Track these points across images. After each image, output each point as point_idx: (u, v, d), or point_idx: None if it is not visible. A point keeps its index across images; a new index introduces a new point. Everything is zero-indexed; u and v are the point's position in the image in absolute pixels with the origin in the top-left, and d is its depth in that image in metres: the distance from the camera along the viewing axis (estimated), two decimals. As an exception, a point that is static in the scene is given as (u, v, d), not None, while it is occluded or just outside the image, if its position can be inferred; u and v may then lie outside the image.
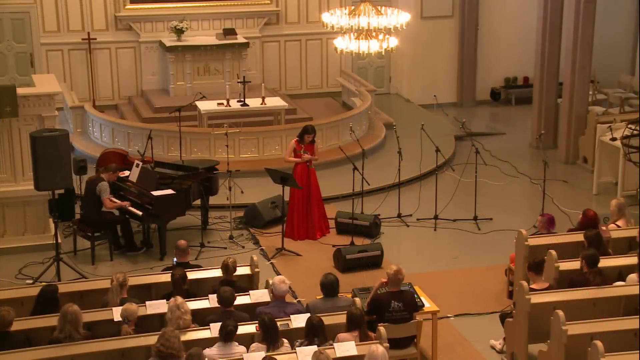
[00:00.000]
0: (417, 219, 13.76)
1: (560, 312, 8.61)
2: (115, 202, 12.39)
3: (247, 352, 8.19)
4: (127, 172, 12.89)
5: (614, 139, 14.51)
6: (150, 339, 8.20)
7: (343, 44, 14.01)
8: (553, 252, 10.05)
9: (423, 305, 9.66)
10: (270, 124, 16.53)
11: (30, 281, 11.49)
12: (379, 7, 13.84)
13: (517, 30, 19.99)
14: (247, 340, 8.42)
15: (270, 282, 9.27)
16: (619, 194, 14.11)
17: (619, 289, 9.44)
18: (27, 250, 12.37)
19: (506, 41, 20.18)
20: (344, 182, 14.18)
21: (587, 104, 16.44)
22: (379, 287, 9.30)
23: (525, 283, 9.36)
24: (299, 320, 8.67)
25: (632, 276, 9.64)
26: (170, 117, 15.86)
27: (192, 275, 9.78)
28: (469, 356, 10.00)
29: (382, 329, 8.52)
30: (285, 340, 8.32)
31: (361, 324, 8.55)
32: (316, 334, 8.27)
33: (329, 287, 9.19)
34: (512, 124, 19.13)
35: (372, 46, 13.77)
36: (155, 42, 18.70)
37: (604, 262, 9.79)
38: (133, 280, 9.60)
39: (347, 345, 8.21)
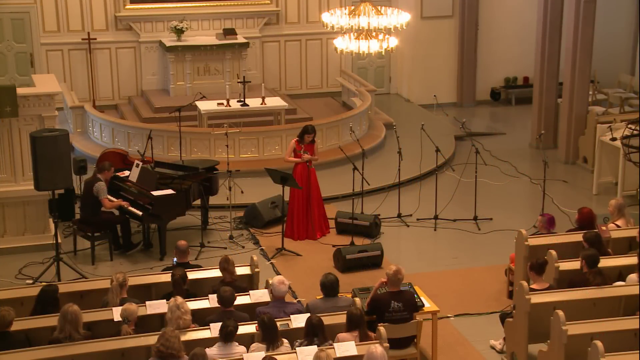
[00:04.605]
0: (417, 219, 13.76)
1: (560, 312, 8.60)
2: (114, 202, 12.38)
3: (247, 352, 8.20)
4: (127, 172, 12.89)
5: (614, 139, 14.51)
6: (150, 339, 8.20)
7: (343, 44, 14.00)
8: (553, 252, 10.05)
9: (423, 305, 9.66)
10: (270, 124, 16.53)
11: (30, 281, 11.49)
12: (379, 7, 13.84)
13: (517, 30, 19.99)
14: (247, 340, 8.42)
15: (270, 282, 9.27)
16: (619, 194, 14.10)
17: (619, 289, 9.44)
18: (27, 250, 12.37)
19: (506, 41, 20.18)
20: (344, 182, 14.18)
21: (587, 104, 16.43)
22: (378, 287, 9.30)
23: (525, 283, 9.35)
24: (298, 320, 8.67)
25: (632, 276, 9.64)
26: (170, 117, 15.86)
27: (192, 275, 9.78)
28: (469, 356, 9.99)
29: (382, 329, 8.51)
30: (285, 340, 8.32)
31: (361, 324, 8.55)
32: (316, 333, 8.27)
33: (329, 287, 9.19)
34: (512, 124, 19.12)
35: (372, 46, 13.76)
36: (155, 42, 18.71)
37: (604, 262, 9.79)
38: (133, 280, 9.60)
39: (347, 345, 8.21)
